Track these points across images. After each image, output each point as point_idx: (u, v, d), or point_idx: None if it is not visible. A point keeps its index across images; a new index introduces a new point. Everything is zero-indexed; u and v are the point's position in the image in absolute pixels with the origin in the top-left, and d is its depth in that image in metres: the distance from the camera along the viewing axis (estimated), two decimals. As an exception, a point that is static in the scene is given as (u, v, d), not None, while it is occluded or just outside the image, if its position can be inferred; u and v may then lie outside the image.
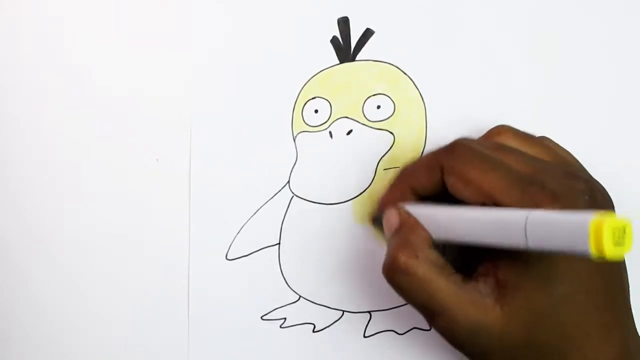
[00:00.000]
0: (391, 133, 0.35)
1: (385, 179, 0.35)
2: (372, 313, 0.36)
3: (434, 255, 0.28)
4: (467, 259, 0.29)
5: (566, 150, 0.32)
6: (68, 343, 0.36)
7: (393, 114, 0.36)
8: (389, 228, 0.30)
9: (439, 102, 0.36)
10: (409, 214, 0.30)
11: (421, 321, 0.35)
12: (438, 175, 0.29)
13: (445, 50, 0.36)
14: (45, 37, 0.36)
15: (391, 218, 0.30)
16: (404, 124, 0.35)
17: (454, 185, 0.28)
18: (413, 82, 0.36)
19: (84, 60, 0.36)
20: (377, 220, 0.33)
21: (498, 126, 0.32)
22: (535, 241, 0.24)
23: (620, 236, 0.22)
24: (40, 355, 0.36)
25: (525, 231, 0.24)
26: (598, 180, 0.30)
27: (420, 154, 0.35)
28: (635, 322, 0.29)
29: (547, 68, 0.35)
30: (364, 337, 0.36)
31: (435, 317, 0.28)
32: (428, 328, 0.35)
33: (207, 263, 0.36)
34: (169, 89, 0.36)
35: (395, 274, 0.29)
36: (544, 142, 0.31)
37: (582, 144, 0.35)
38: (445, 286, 0.27)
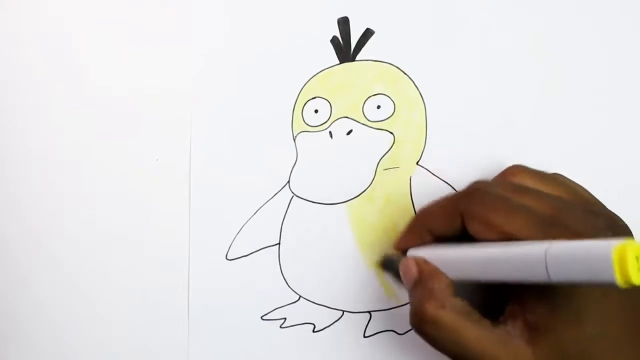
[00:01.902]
0: (391, 133, 0.35)
1: (385, 179, 0.35)
2: (372, 313, 0.36)
3: (459, 302, 0.28)
4: (493, 301, 0.29)
5: (581, 186, 0.31)
6: (68, 343, 0.36)
7: (393, 114, 0.36)
8: (409, 279, 0.30)
9: (439, 102, 0.36)
10: (426, 262, 0.30)
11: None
12: (458, 221, 0.29)
13: (445, 50, 0.36)
14: (45, 37, 0.36)
15: (410, 268, 0.30)
16: (404, 124, 0.35)
17: (477, 229, 0.28)
18: (413, 82, 0.36)
19: (84, 60, 0.36)
20: (386, 263, 0.33)
21: (512, 166, 0.31)
22: (557, 273, 0.23)
23: None
24: (40, 355, 0.36)
25: (546, 263, 0.24)
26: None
27: (420, 153, 0.35)
28: None
29: (547, 68, 0.35)
30: (364, 337, 0.36)
31: None
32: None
33: (207, 263, 0.36)
34: (169, 89, 0.36)
35: (424, 326, 0.28)
36: (559, 180, 0.31)
37: (582, 143, 0.35)
38: (475, 333, 0.27)
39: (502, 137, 0.35)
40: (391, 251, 0.33)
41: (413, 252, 0.31)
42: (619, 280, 0.21)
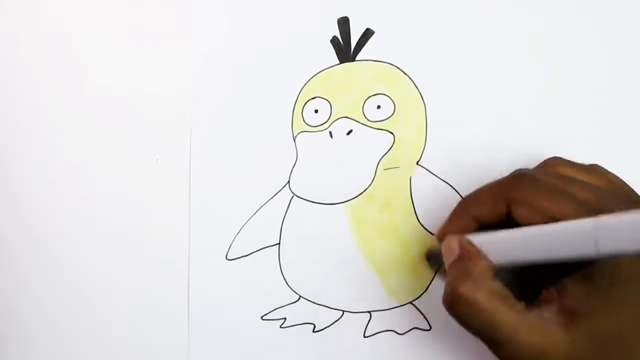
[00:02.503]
0: (391, 133, 0.35)
1: (385, 179, 0.35)
2: (372, 313, 0.36)
3: (496, 284, 0.28)
4: (529, 286, 0.29)
5: (619, 178, 0.32)
6: (68, 343, 0.36)
7: (393, 114, 0.36)
8: (449, 257, 0.30)
9: (439, 102, 0.36)
10: (470, 243, 0.29)
11: (421, 321, 0.35)
12: (504, 207, 0.29)
13: (445, 50, 0.36)
14: (45, 37, 0.36)
15: (452, 246, 0.30)
16: (404, 124, 0.35)
17: (523, 214, 0.28)
18: (413, 82, 0.36)
19: (84, 60, 0.36)
20: (432, 255, 0.33)
21: (552, 158, 0.32)
22: (606, 245, 0.24)
23: None
24: (40, 355, 0.36)
25: (595, 235, 0.24)
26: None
27: (420, 153, 0.35)
28: None
29: (547, 68, 0.35)
30: (364, 337, 0.36)
31: (499, 347, 0.28)
32: (428, 328, 0.35)
33: (207, 263, 0.36)
34: (169, 90, 0.36)
35: (456, 306, 0.28)
36: (599, 170, 0.31)
37: (582, 143, 0.35)
38: (508, 316, 0.27)
39: (502, 137, 0.35)
40: (435, 243, 0.32)
41: None
42: None
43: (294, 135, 0.36)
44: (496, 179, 0.30)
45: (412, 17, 0.36)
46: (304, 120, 0.36)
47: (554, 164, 0.31)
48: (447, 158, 0.35)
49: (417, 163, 0.35)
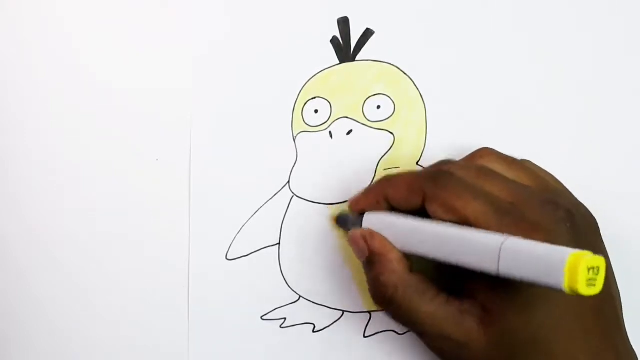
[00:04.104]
0: (391, 133, 0.35)
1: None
2: (372, 313, 0.36)
3: (414, 279, 0.29)
4: (454, 276, 0.29)
5: (548, 173, 0.32)
6: (68, 343, 0.36)
7: (393, 114, 0.36)
8: (358, 253, 0.31)
9: (439, 102, 0.36)
10: (375, 237, 0.30)
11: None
12: (419, 200, 0.29)
13: (445, 50, 0.36)
14: (45, 37, 0.36)
15: (358, 242, 0.31)
16: (404, 124, 0.35)
17: (436, 211, 0.28)
18: (413, 82, 0.36)
19: (84, 60, 0.36)
20: (340, 219, 0.34)
21: (482, 149, 0.32)
22: (507, 268, 0.24)
23: (594, 277, 0.22)
24: (40, 354, 0.36)
25: (499, 256, 0.24)
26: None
27: (420, 154, 0.35)
28: (629, 339, 0.29)
29: (547, 68, 0.35)
30: (364, 337, 0.36)
31: (426, 340, 0.29)
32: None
33: (207, 263, 0.36)
34: (169, 89, 0.36)
35: (381, 305, 0.30)
36: (526, 165, 0.32)
37: (582, 143, 0.35)
38: (429, 311, 0.28)
39: (502, 137, 0.35)
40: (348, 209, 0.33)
41: (368, 216, 0.31)
42: (566, 287, 0.22)
43: (294, 135, 0.36)
44: (420, 169, 0.31)
45: (412, 17, 0.35)
46: (303, 120, 0.36)
47: (482, 155, 0.31)
48: (447, 158, 0.35)
49: (417, 163, 0.35)
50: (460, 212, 0.27)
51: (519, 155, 0.34)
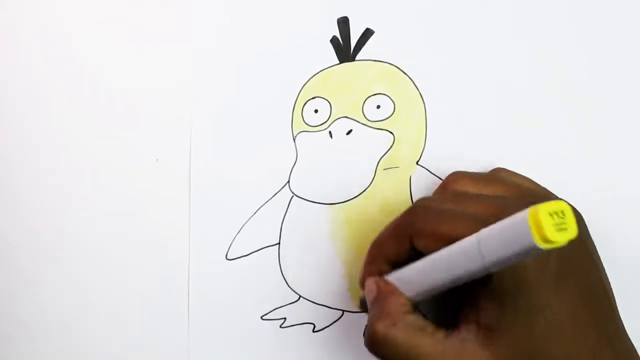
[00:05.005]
0: (391, 133, 0.35)
1: (385, 179, 0.35)
2: (372, 313, 0.36)
3: (412, 318, 0.28)
4: (449, 312, 0.29)
5: (526, 178, 0.32)
6: (68, 343, 0.36)
7: (393, 113, 0.35)
8: (369, 295, 0.30)
9: (439, 102, 0.36)
10: (384, 282, 0.30)
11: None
12: (407, 243, 0.29)
13: (445, 50, 0.36)
14: (45, 37, 0.36)
15: (370, 288, 0.30)
16: (403, 124, 0.35)
17: (425, 245, 0.28)
18: (413, 82, 0.36)
19: (84, 60, 0.36)
20: (363, 304, 0.32)
21: (451, 174, 0.32)
22: (491, 256, 0.24)
23: (561, 221, 0.22)
24: (40, 354, 0.36)
25: (479, 249, 0.24)
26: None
27: (420, 153, 0.35)
28: (624, 325, 0.29)
29: (548, 68, 0.35)
30: (364, 337, 0.36)
31: None
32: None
33: (207, 263, 0.36)
34: (169, 90, 0.36)
35: (375, 346, 0.29)
36: (499, 177, 0.32)
37: (583, 143, 0.35)
38: (428, 347, 0.28)
39: (502, 137, 0.35)
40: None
41: None
42: (538, 241, 0.22)
43: (294, 135, 0.36)
44: (396, 217, 0.30)
45: (412, 17, 0.35)
46: (303, 120, 0.36)
47: (453, 180, 0.31)
48: (447, 158, 0.35)
49: (417, 163, 0.35)
50: (447, 235, 0.27)
51: (518, 155, 0.34)
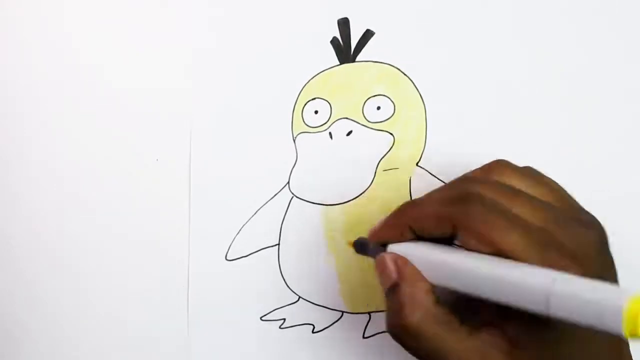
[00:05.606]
0: (391, 134, 0.35)
1: (385, 180, 0.35)
2: (371, 313, 0.36)
3: (439, 311, 0.27)
4: (471, 303, 0.27)
5: (556, 183, 0.30)
6: (68, 342, 0.37)
7: (393, 114, 0.35)
8: (385, 279, 0.28)
9: (439, 102, 0.36)
10: (407, 264, 0.28)
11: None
12: (449, 229, 0.27)
13: (445, 50, 0.35)
14: (45, 37, 0.36)
15: (388, 266, 0.28)
16: (404, 125, 0.35)
17: (469, 243, 0.26)
18: (413, 82, 0.35)
19: (84, 60, 0.36)
20: (359, 244, 0.31)
21: (496, 161, 0.30)
22: (559, 310, 0.23)
23: None
24: (40, 354, 0.37)
25: (549, 298, 0.23)
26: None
27: (420, 154, 0.35)
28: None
29: (548, 68, 0.35)
30: (364, 337, 0.36)
31: None
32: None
33: (207, 263, 0.36)
34: (169, 90, 0.36)
35: (401, 335, 0.28)
36: (544, 180, 0.29)
37: (583, 143, 0.35)
38: (453, 344, 0.27)
39: (502, 137, 0.35)
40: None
41: (393, 247, 0.29)
42: (627, 333, 0.21)
43: (294, 136, 0.36)
44: (443, 189, 0.28)
45: (412, 17, 0.35)
46: (303, 121, 0.36)
47: (498, 169, 0.29)
48: (447, 159, 0.35)
49: (417, 164, 0.35)
50: (498, 245, 0.26)
51: (518, 155, 0.34)
